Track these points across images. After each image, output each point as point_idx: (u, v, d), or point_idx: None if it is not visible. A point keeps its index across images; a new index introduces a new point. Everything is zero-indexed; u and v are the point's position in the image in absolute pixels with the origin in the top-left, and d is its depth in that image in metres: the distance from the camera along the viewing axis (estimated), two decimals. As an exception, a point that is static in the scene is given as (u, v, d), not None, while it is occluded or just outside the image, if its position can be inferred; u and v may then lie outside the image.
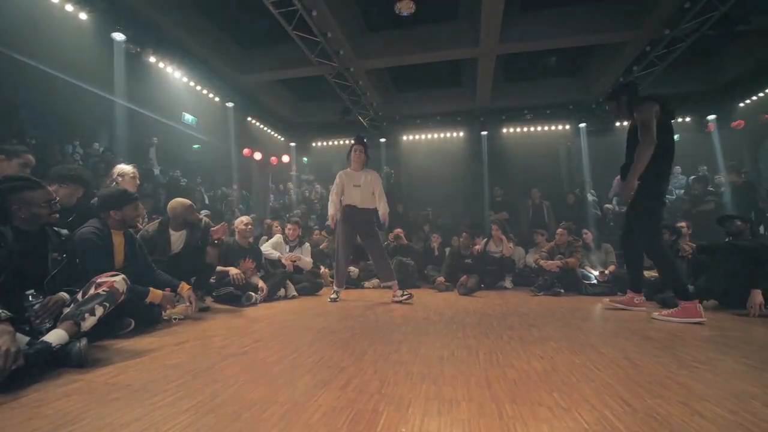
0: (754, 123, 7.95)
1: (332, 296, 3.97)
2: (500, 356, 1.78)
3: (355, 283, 5.47)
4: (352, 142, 4.05)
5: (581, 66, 8.18)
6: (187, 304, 2.64)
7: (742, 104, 7.88)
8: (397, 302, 3.77)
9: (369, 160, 4.07)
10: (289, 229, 4.90)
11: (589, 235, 5.57)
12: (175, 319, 2.68)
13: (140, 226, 3.31)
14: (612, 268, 5.06)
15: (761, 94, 7.48)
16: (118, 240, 2.43)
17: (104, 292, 1.82)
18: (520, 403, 1.21)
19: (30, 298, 1.72)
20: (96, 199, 2.52)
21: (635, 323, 2.68)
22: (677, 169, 8.48)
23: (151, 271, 2.65)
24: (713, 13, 5.03)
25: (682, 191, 7.93)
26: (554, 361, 1.69)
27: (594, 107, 8.39)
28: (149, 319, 2.48)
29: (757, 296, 2.93)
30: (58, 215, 1.90)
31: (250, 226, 4.11)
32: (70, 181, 2.66)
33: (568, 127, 9.08)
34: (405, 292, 3.84)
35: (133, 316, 2.30)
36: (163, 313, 2.58)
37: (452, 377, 1.47)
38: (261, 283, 3.88)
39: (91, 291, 1.83)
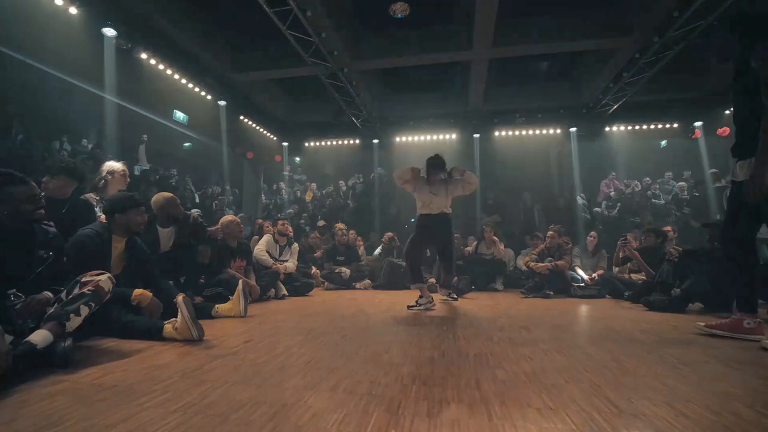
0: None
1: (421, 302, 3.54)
2: (490, 357, 1.79)
3: (346, 284, 5.46)
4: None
5: (572, 71, 8.29)
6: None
7: (728, 111, 8.03)
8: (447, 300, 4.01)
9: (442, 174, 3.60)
10: (282, 224, 4.87)
11: (594, 240, 5.46)
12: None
13: None
14: (600, 271, 5.12)
15: (747, 102, 7.64)
16: (118, 246, 2.35)
17: (89, 292, 1.77)
18: (509, 404, 1.22)
19: (12, 298, 1.67)
20: (104, 202, 2.45)
21: (622, 325, 2.72)
22: (668, 174, 8.61)
23: (156, 282, 2.44)
24: (700, 23, 5.15)
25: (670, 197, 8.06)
26: (543, 362, 1.71)
27: (584, 112, 8.50)
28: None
29: (741, 299, 2.99)
30: (43, 210, 1.84)
31: (240, 225, 4.08)
32: (62, 173, 2.62)
33: (559, 131, 9.19)
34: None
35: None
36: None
37: (442, 378, 1.48)
38: (252, 283, 3.85)
39: (76, 290, 1.77)
